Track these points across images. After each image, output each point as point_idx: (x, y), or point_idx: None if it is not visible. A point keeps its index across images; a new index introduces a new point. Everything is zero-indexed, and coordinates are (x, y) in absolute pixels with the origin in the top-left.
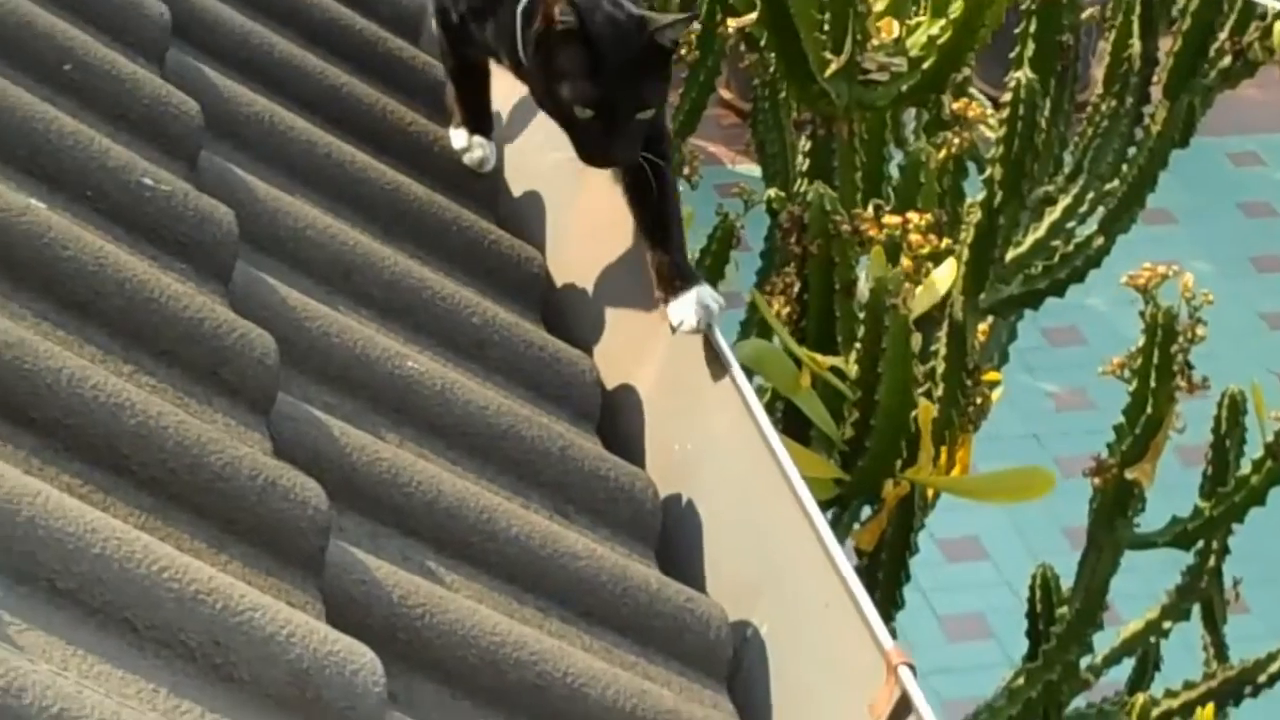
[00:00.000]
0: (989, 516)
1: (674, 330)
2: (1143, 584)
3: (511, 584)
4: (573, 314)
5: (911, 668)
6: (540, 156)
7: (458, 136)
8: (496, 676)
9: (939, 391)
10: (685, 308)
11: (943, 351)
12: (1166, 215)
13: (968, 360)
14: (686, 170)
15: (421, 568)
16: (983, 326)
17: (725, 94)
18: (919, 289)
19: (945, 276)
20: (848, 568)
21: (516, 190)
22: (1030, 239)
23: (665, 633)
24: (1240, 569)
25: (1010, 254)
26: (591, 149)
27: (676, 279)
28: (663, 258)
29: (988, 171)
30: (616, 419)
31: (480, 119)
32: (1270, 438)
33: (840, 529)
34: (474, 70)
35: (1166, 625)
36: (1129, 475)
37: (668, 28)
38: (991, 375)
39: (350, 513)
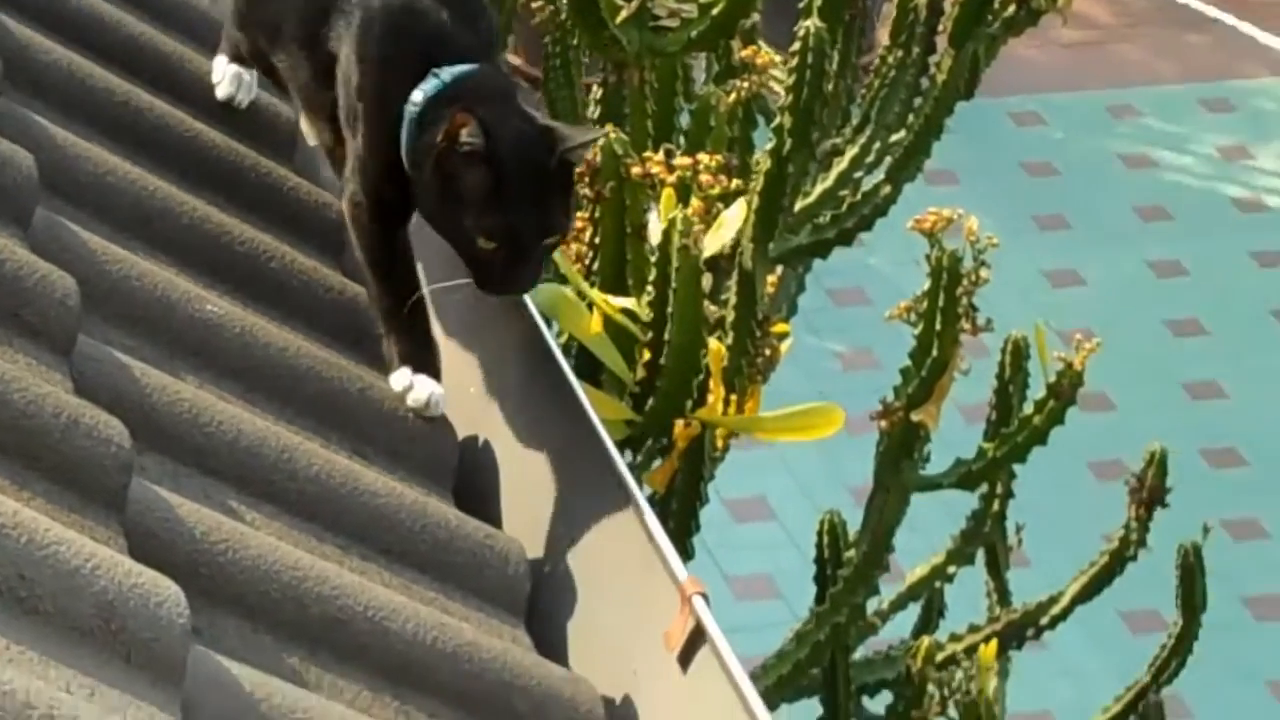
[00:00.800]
0: (776, 477)
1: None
2: (925, 542)
3: (312, 522)
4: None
5: (705, 598)
6: None
7: (398, 378)
8: (298, 611)
9: (729, 340)
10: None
11: (733, 300)
12: (950, 176)
13: (757, 309)
14: None
15: (223, 506)
16: (771, 279)
17: (515, 59)
18: (710, 230)
19: (735, 217)
20: (643, 501)
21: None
22: (819, 189)
23: (464, 569)
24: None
25: (799, 205)
26: (493, 282)
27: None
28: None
29: (776, 120)
30: None
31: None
32: (1052, 379)
33: (633, 472)
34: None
35: (951, 570)
36: (915, 418)
37: (580, 147)
38: (780, 327)
39: (152, 453)
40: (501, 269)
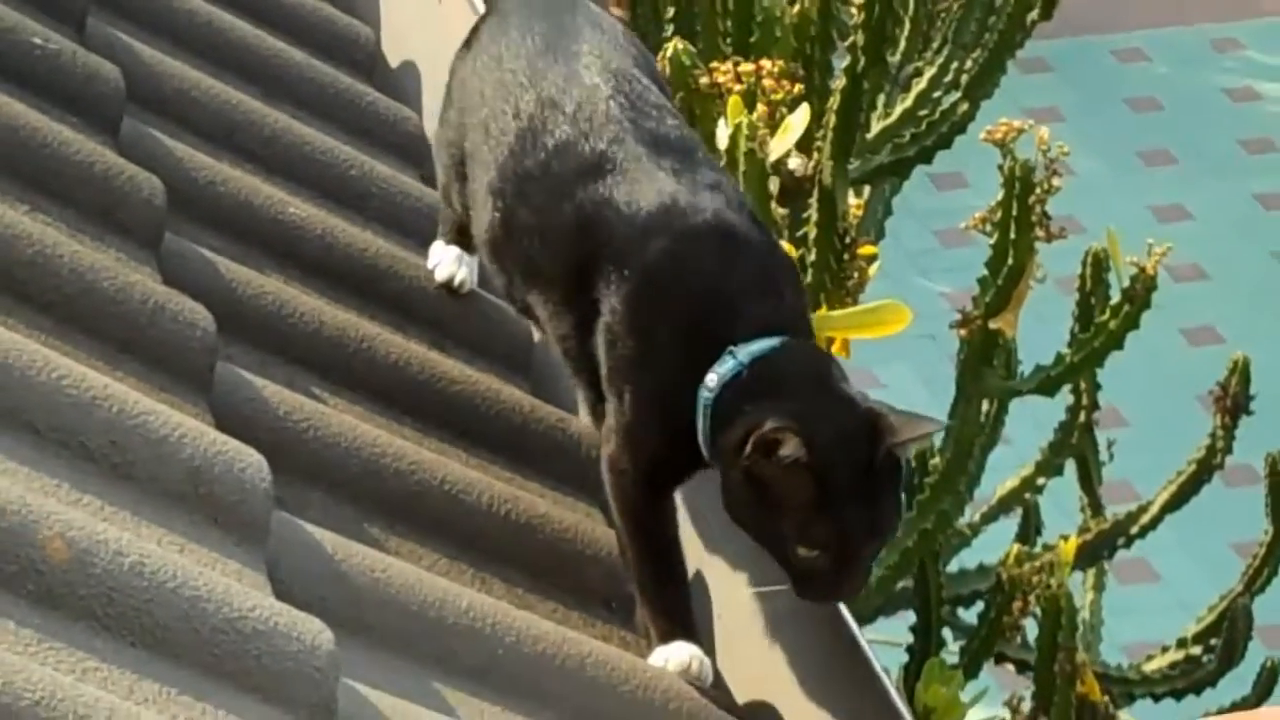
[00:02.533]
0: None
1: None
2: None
3: (391, 407)
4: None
5: None
6: (416, 36)
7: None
8: (377, 484)
9: (812, 257)
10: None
11: (814, 218)
12: (1054, 113)
13: (839, 226)
14: None
15: (306, 391)
16: (857, 201)
17: None
18: (775, 135)
19: (800, 121)
20: None
21: (394, 62)
22: (899, 110)
23: (538, 451)
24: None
25: (879, 125)
26: (816, 591)
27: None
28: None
29: (850, 38)
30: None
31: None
32: (1127, 283)
33: None
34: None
35: (1040, 481)
36: (993, 325)
37: (909, 442)
38: (868, 249)
39: (237, 343)
40: (825, 577)
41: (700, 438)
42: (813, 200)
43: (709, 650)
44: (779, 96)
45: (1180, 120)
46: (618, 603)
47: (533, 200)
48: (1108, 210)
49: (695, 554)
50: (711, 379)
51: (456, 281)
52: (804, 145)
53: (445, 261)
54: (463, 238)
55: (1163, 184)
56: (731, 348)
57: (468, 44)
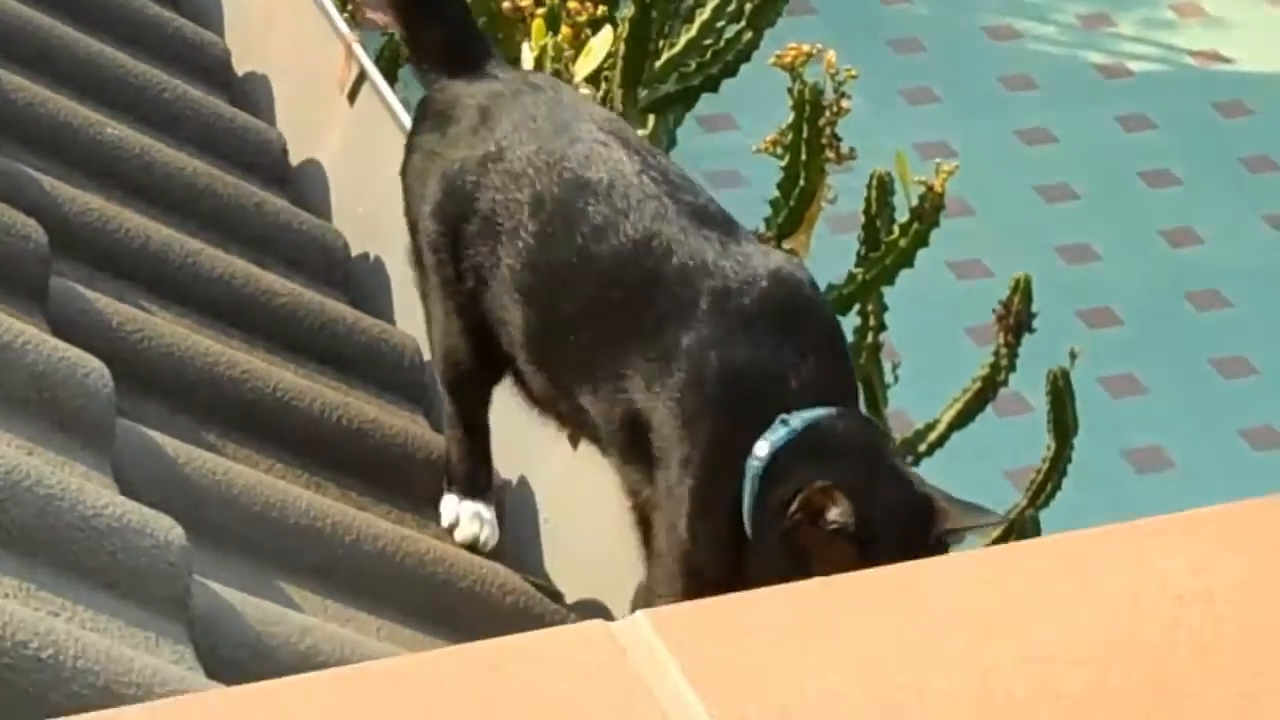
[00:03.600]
0: None
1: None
2: None
3: (218, 320)
4: (258, 92)
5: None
6: None
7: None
8: (213, 392)
9: None
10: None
11: None
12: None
13: None
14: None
15: (136, 304)
16: (644, 132)
17: None
18: (580, 56)
19: (603, 42)
20: None
21: None
22: (683, 39)
23: (363, 361)
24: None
25: (666, 56)
26: None
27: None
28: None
29: None
30: (304, 186)
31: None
32: (915, 203)
33: None
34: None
35: None
36: (786, 246)
37: (964, 531)
38: None
39: (67, 259)
40: None
41: (745, 509)
42: None
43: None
44: (583, 19)
45: (942, 59)
46: None
47: (575, 289)
48: (874, 148)
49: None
50: (762, 447)
51: (481, 541)
52: (594, 77)
53: (464, 521)
54: (472, 439)
55: (926, 121)
56: (784, 415)
57: (427, 156)
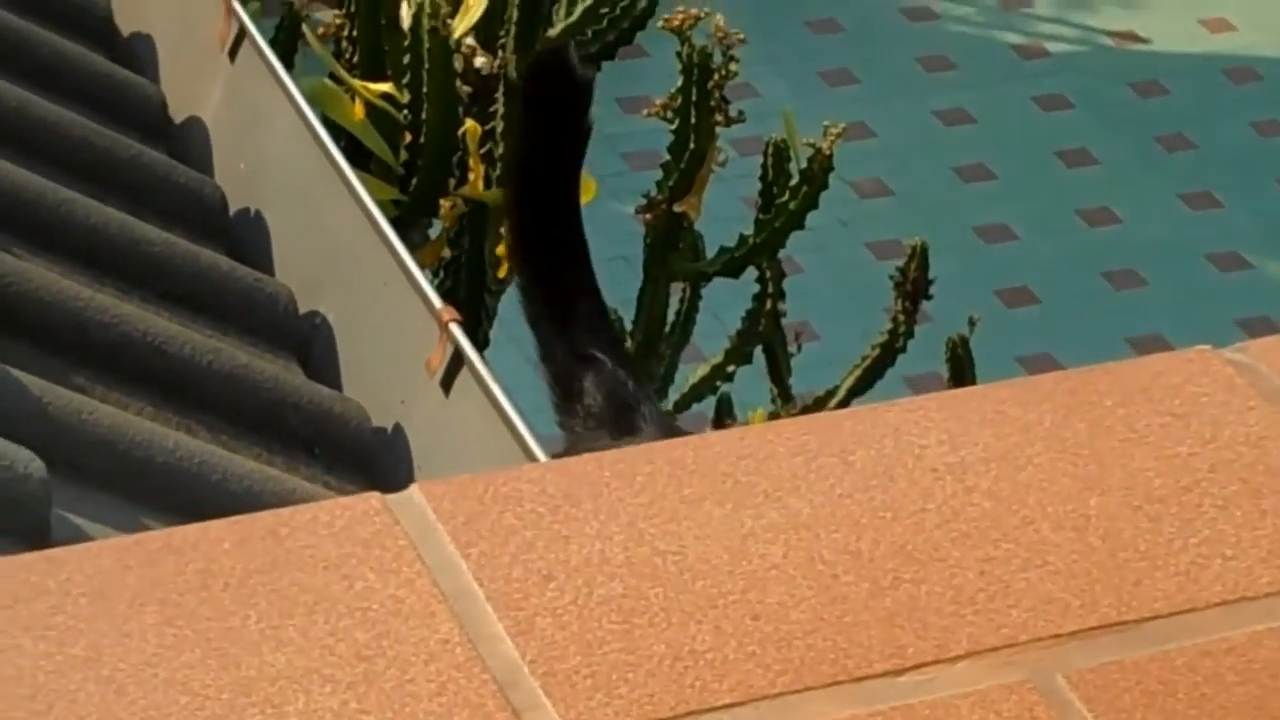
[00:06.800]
0: None
1: None
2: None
3: (91, 267)
4: (141, 51)
5: (461, 324)
6: None
7: None
8: (81, 335)
9: (499, 150)
10: None
11: (500, 111)
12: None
13: None
14: None
15: (6, 249)
16: None
17: None
18: (458, 16)
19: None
20: (400, 246)
21: None
22: (580, 7)
23: (237, 309)
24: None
25: (561, 24)
26: None
27: None
28: None
29: None
30: (185, 143)
31: None
32: (805, 164)
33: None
34: None
35: (730, 369)
36: (677, 209)
37: None
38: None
39: None
40: None
41: None
42: (499, 97)
43: None
44: None
45: (859, 41)
46: (320, 449)
47: None
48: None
49: None
50: None
51: None
52: (489, 44)
53: None
54: None
55: (845, 103)
56: None
57: None
